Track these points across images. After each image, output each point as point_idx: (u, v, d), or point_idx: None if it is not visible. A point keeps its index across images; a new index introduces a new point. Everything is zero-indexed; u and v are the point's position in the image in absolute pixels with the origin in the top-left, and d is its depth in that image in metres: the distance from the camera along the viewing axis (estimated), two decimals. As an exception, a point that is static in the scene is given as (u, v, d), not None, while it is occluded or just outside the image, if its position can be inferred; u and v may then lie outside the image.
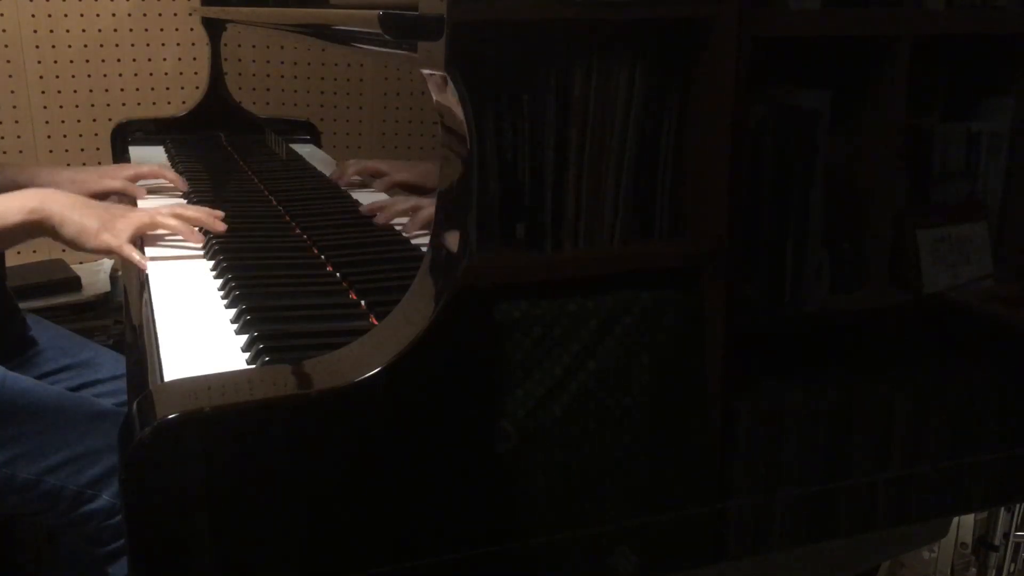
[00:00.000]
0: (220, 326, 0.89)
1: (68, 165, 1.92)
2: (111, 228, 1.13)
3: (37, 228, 1.11)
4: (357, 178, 1.21)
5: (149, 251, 1.14)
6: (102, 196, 1.37)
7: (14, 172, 1.42)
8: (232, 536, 0.62)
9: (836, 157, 0.77)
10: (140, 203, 1.37)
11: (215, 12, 1.85)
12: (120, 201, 1.37)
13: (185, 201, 1.37)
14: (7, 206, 1.09)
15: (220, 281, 1.01)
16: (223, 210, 1.24)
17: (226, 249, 1.11)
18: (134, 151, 1.79)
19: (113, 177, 1.42)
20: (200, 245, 1.15)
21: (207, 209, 1.20)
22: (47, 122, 2.04)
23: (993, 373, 0.89)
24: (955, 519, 1.61)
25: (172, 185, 1.44)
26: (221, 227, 1.17)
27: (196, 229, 1.16)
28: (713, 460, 0.76)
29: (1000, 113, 0.84)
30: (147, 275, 1.05)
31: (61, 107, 2.04)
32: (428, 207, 1.05)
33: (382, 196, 1.10)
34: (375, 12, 0.69)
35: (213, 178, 1.53)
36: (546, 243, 0.67)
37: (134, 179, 1.43)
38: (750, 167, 0.73)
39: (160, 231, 1.16)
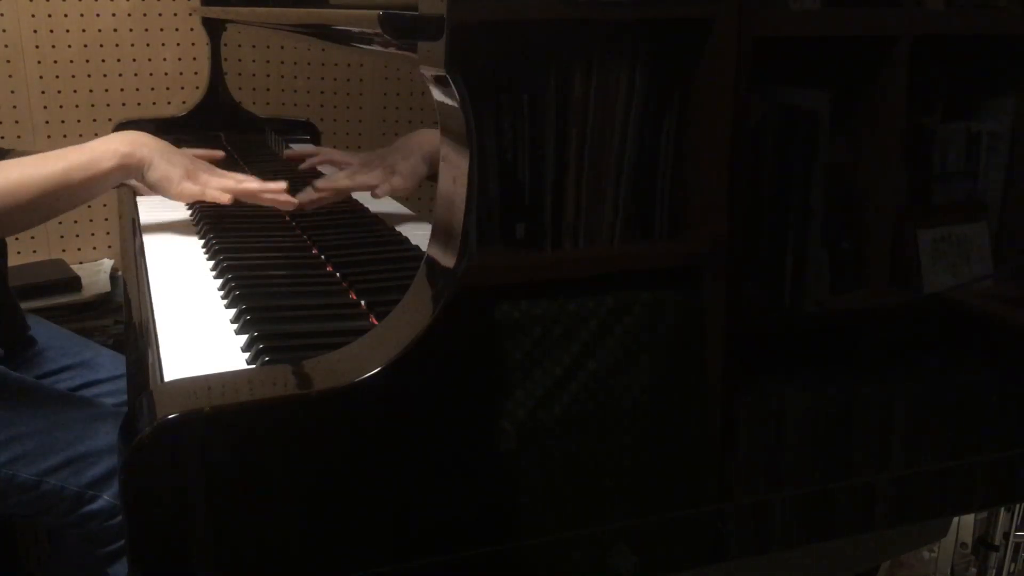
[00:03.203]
0: (220, 326, 0.89)
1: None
2: (194, 177, 1.16)
3: (128, 171, 1.14)
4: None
5: (149, 250, 1.14)
6: None
7: None
8: (232, 536, 0.62)
9: (836, 157, 0.77)
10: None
11: (215, 12, 1.85)
12: None
13: None
14: (100, 152, 1.11)
15: (220, 281, 1.01)
16: (222, 210, 1.24)
17: (226, 249, 1.11)
18: (134, 151, 1.78)
19: None
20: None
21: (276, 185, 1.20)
22: (47, 122, 2.04)
23: (993, 373, 0.89)
24: (955, 519, 1.61)
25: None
26: (288, 201, 1.16)
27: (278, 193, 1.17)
28: (713, 460, 0.76)
29: (1000, 113, 0.84)
30: (147, 275, 1.05)
31: (61, 107, 2.04)
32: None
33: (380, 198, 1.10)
34: (375, 12, 0.69)
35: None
36: (546, 243, 0.67)
37: None
38: (750, 167, 0.73)
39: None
